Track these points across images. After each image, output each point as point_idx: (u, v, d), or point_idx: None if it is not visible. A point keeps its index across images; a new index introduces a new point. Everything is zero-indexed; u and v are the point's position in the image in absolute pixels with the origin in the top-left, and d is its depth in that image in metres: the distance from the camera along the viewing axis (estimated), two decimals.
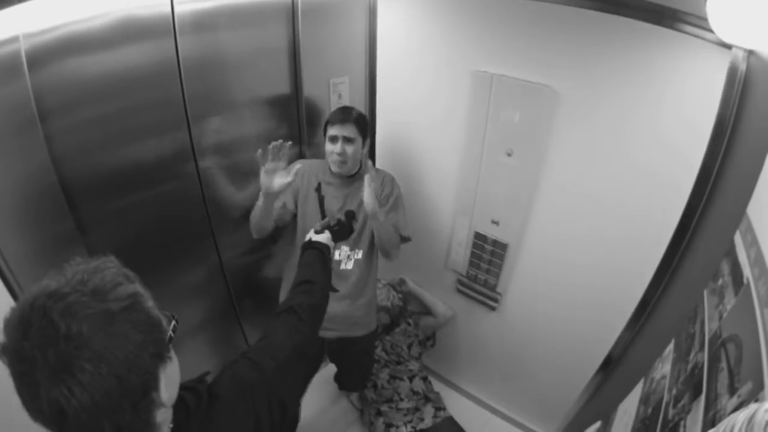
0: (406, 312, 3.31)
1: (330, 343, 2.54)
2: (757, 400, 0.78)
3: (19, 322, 0.72)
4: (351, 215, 2.35)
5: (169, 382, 0.87)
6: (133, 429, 0.79)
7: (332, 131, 2.21)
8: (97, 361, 0.71)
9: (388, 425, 2.86)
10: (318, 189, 2.33)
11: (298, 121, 2.42)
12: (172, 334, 0.91)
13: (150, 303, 0.86)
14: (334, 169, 2.28)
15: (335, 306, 2.31)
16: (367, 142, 2.34)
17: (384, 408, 2.93)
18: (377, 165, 2.88)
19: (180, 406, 0.98)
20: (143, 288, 0.87)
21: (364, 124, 2.29)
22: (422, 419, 2.90)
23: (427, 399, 3.01)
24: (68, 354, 0.70)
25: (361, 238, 2.40)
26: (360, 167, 2.35)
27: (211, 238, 2.28)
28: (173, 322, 0.93)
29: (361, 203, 2.25)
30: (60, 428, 0.72)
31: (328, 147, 2.25)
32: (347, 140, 2.21)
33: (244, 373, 1.18)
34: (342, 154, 2.21)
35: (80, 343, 0.71)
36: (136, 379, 0.77)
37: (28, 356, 0.70)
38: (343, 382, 3.04)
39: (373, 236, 2.36)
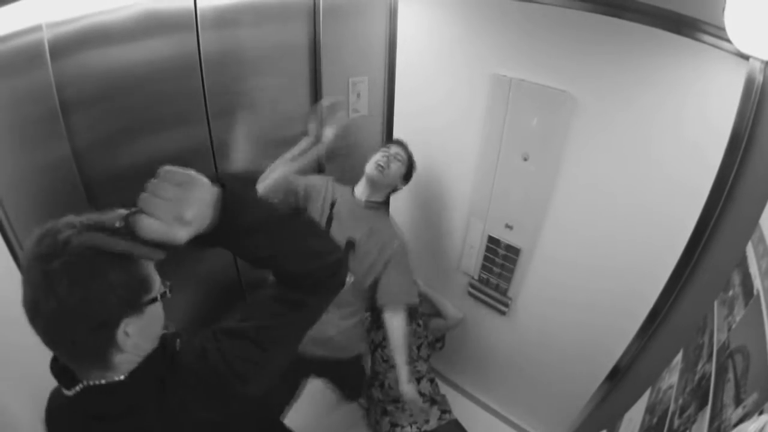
0: (417, 313, 3.31)
1: (312, 361, 2.44)
2: (761, 412, 0.78)
3: (37, 239, 0.87)
4: (350, 245, 2.32)
5: (137, 335, 0.95)
6: (86, 351, 0.92)
7: (386, 146, 2.31)
8: (74, 282, 0.83)
9: (394, 425, 2.87)
10: (332, 206, 2.35)
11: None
12: (156, 298, 0.99)
13: (146, 263, 0.97)
14: (369, 171, 2.32)
15: (317, 326, 2.25)
16: (404, 187, 2.50)
17: (390, 407, 2.93)
18: None
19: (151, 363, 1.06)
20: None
21: (411, 170, 2.47)
22: (427, 421, 2.90)
23: (434, 401, 3.01)
24: (56, 270, 0.83)
25: (356, 264, 2.35)
26: (384, 201, 2.42)
27: None
28: (164, 290, 1.01)
29: (369, 234, 2.32)
30: (33, 324, 0.87)
31: (375, 156, 2.32)
32: (396, 158, 2.30)
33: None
34: (386, 163, 2.27)
35: (68, 265, 0.83)
36: (97, 309, 0.87)
37: (31, 264, 0.85)
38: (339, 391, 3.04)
39: (370, 266, 2.37)
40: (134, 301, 0.93)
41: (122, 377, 0.98)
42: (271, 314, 1.13)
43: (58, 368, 1.00)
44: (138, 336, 0.95)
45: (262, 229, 1.03)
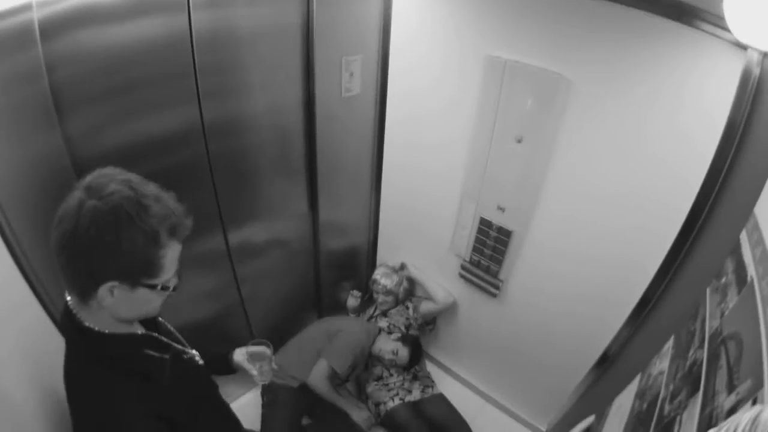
0: (412, 295, 3.33)
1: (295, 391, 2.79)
2: (755, 398, 0.78)
3: (96, 173, 1.04)
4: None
5: (118, 301, 1.06)
6: (73, 278, 1.04)
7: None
8: (92, 224, 0.95)
9: (377, 404, 2.90)
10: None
11: (309, 98, 2.41)
12: (154, 286, 1.09)
13: (168, 253, 1.08)
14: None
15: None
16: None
17: (370, 388, 2.97)
18: (386, 145, 2.94)
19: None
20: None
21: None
22: (410, 392, 2.94)
23: (416, 377, 3.06)
24: (89, 206, 0.96)
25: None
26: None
27: (219, 221, 2.31)
28: (168, 286, 1.13)
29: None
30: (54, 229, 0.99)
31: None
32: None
33: None
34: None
35: (98, 210, 0.96)
36: (96, 258, 0.98)
37: (77, 188, 1.01)
38: None
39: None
40: (129, 275, 1.04)
41: (96, 328, 1.12)
42: None
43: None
44: (119, 302, 1.07)
45: None
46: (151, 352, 1.23)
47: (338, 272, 3.36)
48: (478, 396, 3.34)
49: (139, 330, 1.27)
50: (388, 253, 3.43)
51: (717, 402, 0.93)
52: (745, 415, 0.73)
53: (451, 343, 3.42)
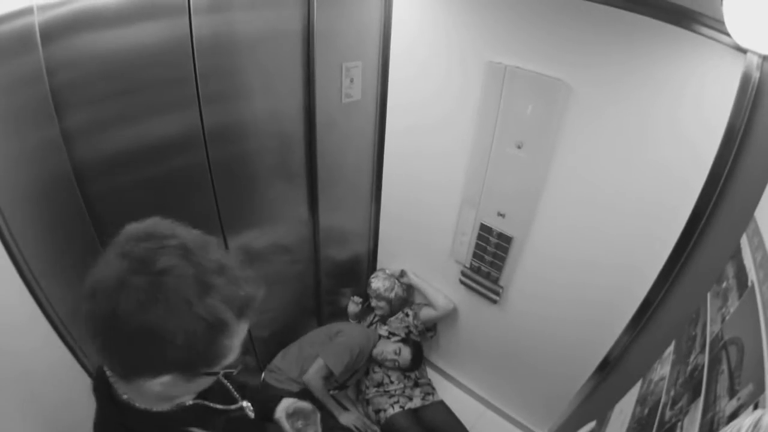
0: (408, 303, 3.33)
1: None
2: (756, 403, 0.78)
3: (142, 234, 0.83)
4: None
5: (171, 386, 0.88)
6: (118, 370, 0.88)
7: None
8: (141, 308, 0.76)
9: (377, 411, 2.90)
10: None
11: (309, 104, 2.41)
12: (215, 373, 0.93)
13: (232, 338, 0.88)
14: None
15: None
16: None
17: (371, 394, 2.97)
18: (387, 150, 2.93)
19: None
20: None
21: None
22: (410, 399, 2.94)
23: (417, 384, 3.05)
24: (136, 283, 0.77)
25: None
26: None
27: (219, 226, 2.30)
28: (231, 371, 0.95)
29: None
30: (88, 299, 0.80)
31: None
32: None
33: None
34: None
35: (150, 294, 0.77)
36: (144, 351, 0.80)
37: (121, 255, 0.80)
38: None
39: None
40: (186, 368, 0.87)
41: (136, 405, 0.98)
42: None
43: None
44: (170, 388, 0.89)
45: None
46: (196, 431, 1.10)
47: (338, 279, 3.35)
48: (479, 402, 3.33)
49: (189, 400, 1.10)
50: (388, 260, 3.43)
51: (718, 407, 0.93)
52: (746, 419, 0.72)
53: (452, 350, 3.41)
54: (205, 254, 0.85)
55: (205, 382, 0.98)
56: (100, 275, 0.79)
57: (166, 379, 0.85)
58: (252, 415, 1.24)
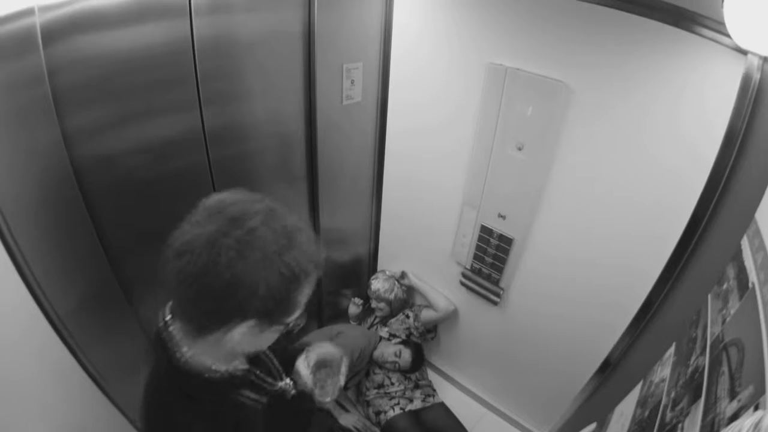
0: (408, 305, 3.33)
1: None
2: (757, 405, 0.78)
3: (235, 199, 0.97)
4: None
5: (247, 338, 0.98)
6: (201, 320, 0.96)
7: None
8: (238, 258, 0.87)
9: (377, 412, 2.89)
10: None
11: (310, 105, 2.42)
12: (286, 324, 1.04)
13: (304, 293, 1.01)
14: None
15: None
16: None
17: (371, 396, 2.96)
18: (387, 152, 2.94)
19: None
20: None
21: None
22: (411, 400, 2.94)
23: (417, 386, 3.05)
24: (234, 237, 0.88)
25: None
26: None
27: None
28: (297, 324, 1.08)
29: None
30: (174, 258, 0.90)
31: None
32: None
33: None
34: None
35: (245, 244, 0.88)
36: (235, 299, 0.89)
37: (213, 213, 0.94)
38: None
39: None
40: (268, 316, 0.96)
41: (195, 363, 1.05)
42: None
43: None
44: (243, 341, 0.99)
45: None
46: (249, 394, 1.19)
47: (339, 281, 3.35)
48: (479, 404, 3.32)
49: (242, 365, 1.19)
50: (389, 261, 3.43)
51: (719, 409, 0.93)
52: (746, 421, 0.72)
53: (453, 351, 3.41)
54: (286, 216, 0.98)
55: (272, 337, 1.08)
56: (190, 236, 0.89)
57: (243, 329, 0.95)
58: (292, 392, 1.35)
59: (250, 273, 0.87)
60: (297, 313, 1.02)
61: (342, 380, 1.50)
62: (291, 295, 0.95)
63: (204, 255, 0.86)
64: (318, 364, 1.49)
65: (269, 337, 1.07)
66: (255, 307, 0.91)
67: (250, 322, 0.94)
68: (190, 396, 1.07)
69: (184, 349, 1.04)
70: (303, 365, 1.45)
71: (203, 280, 0.87)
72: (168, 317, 1.06)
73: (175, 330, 1.05)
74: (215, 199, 0.97)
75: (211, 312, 0.92)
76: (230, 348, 1.00)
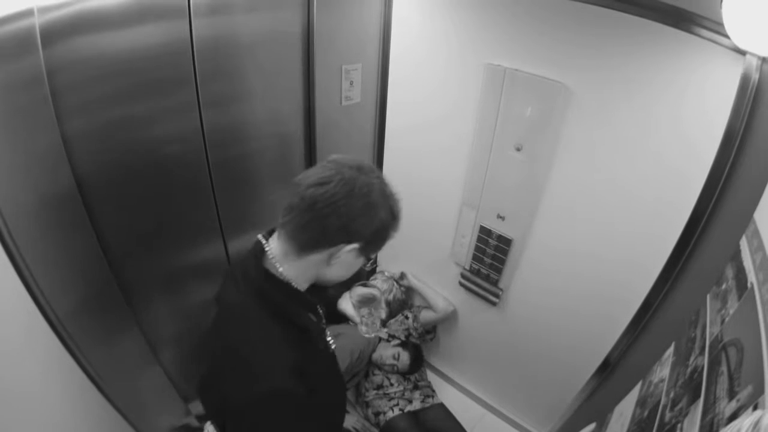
0: (407, 306, 3.32)
1: None
2: (756, 404, 0.78)
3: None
4: None
5: (339, 264, 1.25)
6: (317, 236, 1.17)
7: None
8: (369, 194, 1.15)
9: (376, 414, 2.89)
10: None
11: (309, 106, 2.42)
12: (375, 255, 1.23)
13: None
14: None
15: None
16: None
17: (370, 397, 2.96)
18: (386, 150, 2.95)
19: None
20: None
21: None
22: (410, 401, 2.94)
23: (416, 386, 3.05)
24: (363, 180, 1.15)
25: None
26: None
27: (219, 229, 2.30)
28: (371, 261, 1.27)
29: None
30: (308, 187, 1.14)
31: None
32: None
33: None
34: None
35: (373, 183, 1.17)
36: (360, 221, 1.15)
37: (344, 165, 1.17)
38: None
39: None
40: (373, 241, 1.22)
41: (284, 278, 1.24)
42: None
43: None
44: (339, 264, 1.25)
45: None
46: (313, 317, 1.37)
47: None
48: (479, 404, 3.32)
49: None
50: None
51: (718, 409, 0.93)
52: (746, 420, 0.73)
53: (452, 352, 3.41)
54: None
55: (355, 267, 1.33)
56: (328, 173, 1.14)
57: (347, 250, 1.18)
58: (333, 347, 1.52)
59: (375, 204, 1.15)
60: (376, 254, 1.18)
61: (383, 314, 1.65)
62: (387, 233, 1.23)
63: (343, 185, 1.11)
64: (360, 302, 1.66)
65: (354, 266, 1.31)
66: (364, 234, 1.17)
67: (354, 245, 1.17)
68: (277, 306, 1.23)
69: (277, 265, 1.23)
70: (347, 304, 1.67)
71: (343, 202, 1.11)
72: (264, 242, 1.27)
73: (272, 251, 1.25)
74: (338, 155, 1.22)
75: (333, 229, 1.14)
76: (321, 271, 1.26)
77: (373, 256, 1.36)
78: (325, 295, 1.43)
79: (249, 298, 1.23)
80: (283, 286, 1.24)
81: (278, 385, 1.14)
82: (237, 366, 1.19)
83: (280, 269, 1.24)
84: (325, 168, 1.17)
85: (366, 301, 1.52)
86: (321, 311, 1.44)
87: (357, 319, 1.51)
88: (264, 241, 1.28)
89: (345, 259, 1.23)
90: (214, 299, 1.39)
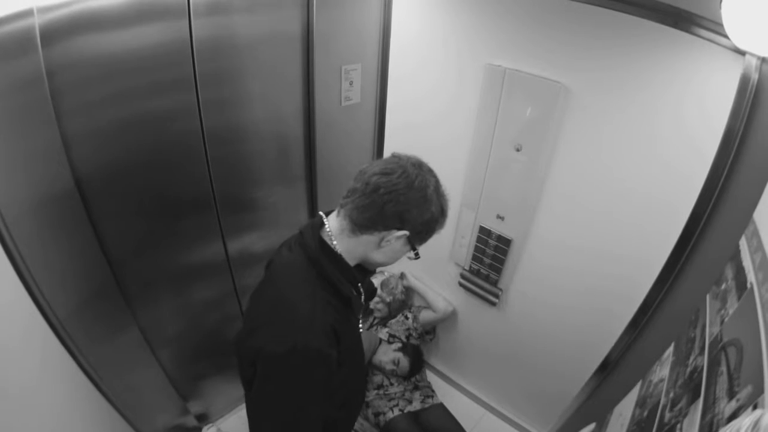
0: (407, 306, 3.32)
1: None
2: (756, 405, 0.78)
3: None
4: None
5: (388, 248, 1.36)
6: (374, 219, 1.27)
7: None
8: (425, 187, 1.28)
9: (376, 414, 2.89)
10: None
11: (308, 107, 2.42)
12: (419, 247, 1.40)
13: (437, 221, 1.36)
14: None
15: None
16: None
17: (370, 397, 2.96)
18: (386, 152, 2.92)
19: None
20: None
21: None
22: (410, 402, 2.93)
23: (416, 387, 3.04)
24: (422, 174, 1.30)
25: None
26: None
27: (219, 230, 2.30)
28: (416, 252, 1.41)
29: None
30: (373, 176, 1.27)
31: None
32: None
33: None
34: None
35: (424, 179, 1.29)
36: (415, 209, 1.27)
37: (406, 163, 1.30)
38: None
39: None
40: (422, 231, 1.33)
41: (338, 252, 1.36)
42: None
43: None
44: (387, 248, 1.35)
45: None
46: (355, 293, 1.44)
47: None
48: (478, 405, 3.32)
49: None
50: None
51: (718, 408, 0.93)
52: (745, 419, 0.72)
53: (452, 352, 3.41)
54: None
55: (401, 254, 1.42)
56: (391, 166, 1.27)
57: (397, 235, 1.29)
58: (362, 329, 1.61)
59: (429, 199, 1.27)
60: (420, 246, 1.39)
61: (400, 287, 2.12)
62: (435, 226, 1.35)
63: (405, 177, 1.24)
64: (381, 285, 2.03)
65: (399, 254, 1.40)
66: (415, 223, 1.28)
67: (405, 232, 1.28)
68: (327, 275, 1.32)
69: (333, 238, 1.35)
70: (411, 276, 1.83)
71: (403, 191, 1.23)
72: (324, 219, 1.39)
73: (330, 224, 1.37)
74: (395, 154, 1.35)
75: (388, 213, 1.25)
76: (369, 252, 1.36)
77: (418, 248, 1.41)
78: (366, 277, 1.53)
79: (302, 259, 1.34)
80: (335, 256, 1.34)
81: (314, 341, 1.22)
82: (279, 316, 1.27)
83: (335, 242, 1.35)
84: (390, 161, 1.30)
85: (384, 285, 1.68)
86: (362, 290, 1.51)
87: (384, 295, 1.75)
88: (324, 217, 1.39)
89: (394, 245, 1.33)
90: (264, 268, 1.57)
